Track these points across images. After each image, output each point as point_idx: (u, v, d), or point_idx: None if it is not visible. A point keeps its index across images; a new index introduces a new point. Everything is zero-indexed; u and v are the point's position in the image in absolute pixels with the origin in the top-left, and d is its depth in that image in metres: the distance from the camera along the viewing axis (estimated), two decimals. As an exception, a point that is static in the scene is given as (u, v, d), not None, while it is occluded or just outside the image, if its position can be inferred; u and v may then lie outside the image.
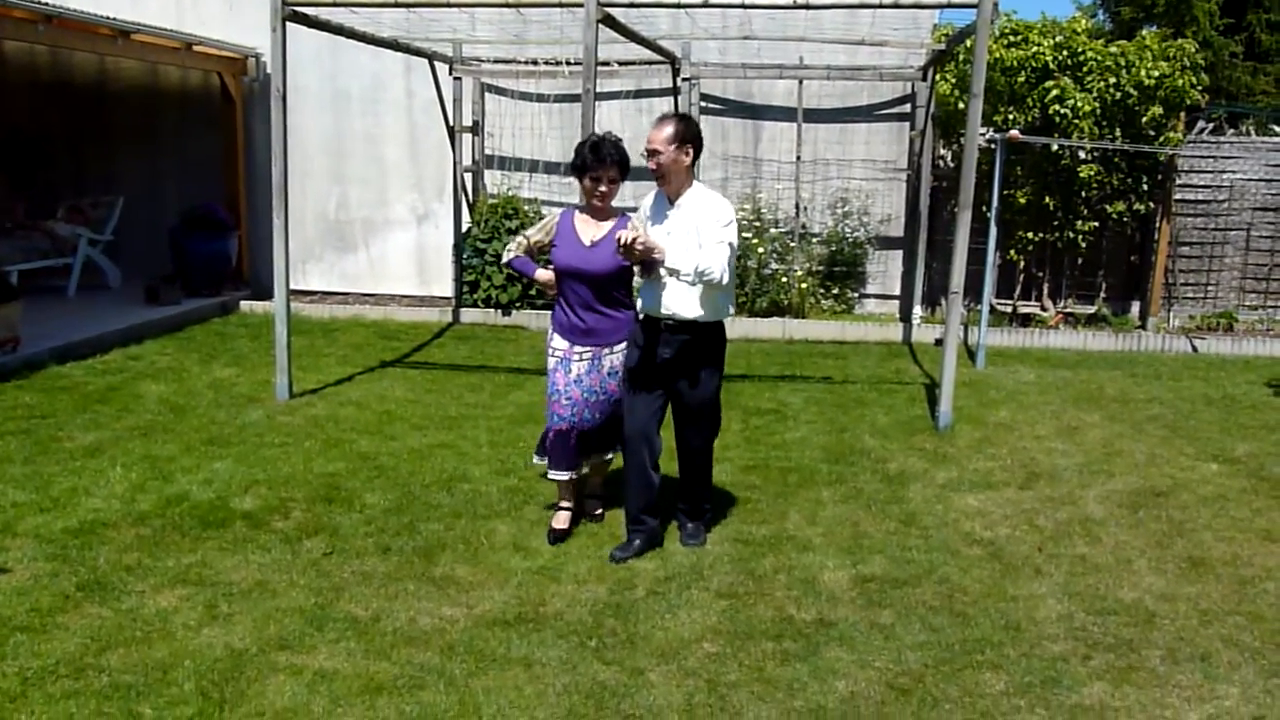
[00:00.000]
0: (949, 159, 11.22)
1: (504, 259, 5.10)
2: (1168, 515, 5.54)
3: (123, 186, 11.96)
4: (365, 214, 11.98)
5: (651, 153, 4.69)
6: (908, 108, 11.18)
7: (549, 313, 11.18)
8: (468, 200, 11.61)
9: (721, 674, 3.77)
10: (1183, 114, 10.61)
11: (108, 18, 9.70)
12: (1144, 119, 10.28)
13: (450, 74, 11.25)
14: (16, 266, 10.26)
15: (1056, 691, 3.69)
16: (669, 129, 4.68)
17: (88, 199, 11.80)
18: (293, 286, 8.37)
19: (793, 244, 11.18)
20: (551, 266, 4.96)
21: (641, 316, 4.86)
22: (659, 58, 10.26)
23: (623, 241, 4.40)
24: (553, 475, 5.04)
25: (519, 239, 5.07)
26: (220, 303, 11.09)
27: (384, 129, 11.80)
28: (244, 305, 11.35)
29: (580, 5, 6.99)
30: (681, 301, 4.70)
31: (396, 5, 7.35)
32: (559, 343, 5.00)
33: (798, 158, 11.25)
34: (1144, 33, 10.74)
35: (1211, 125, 11.25)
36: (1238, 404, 8.14)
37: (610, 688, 3.66)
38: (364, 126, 11.79)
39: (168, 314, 10.27)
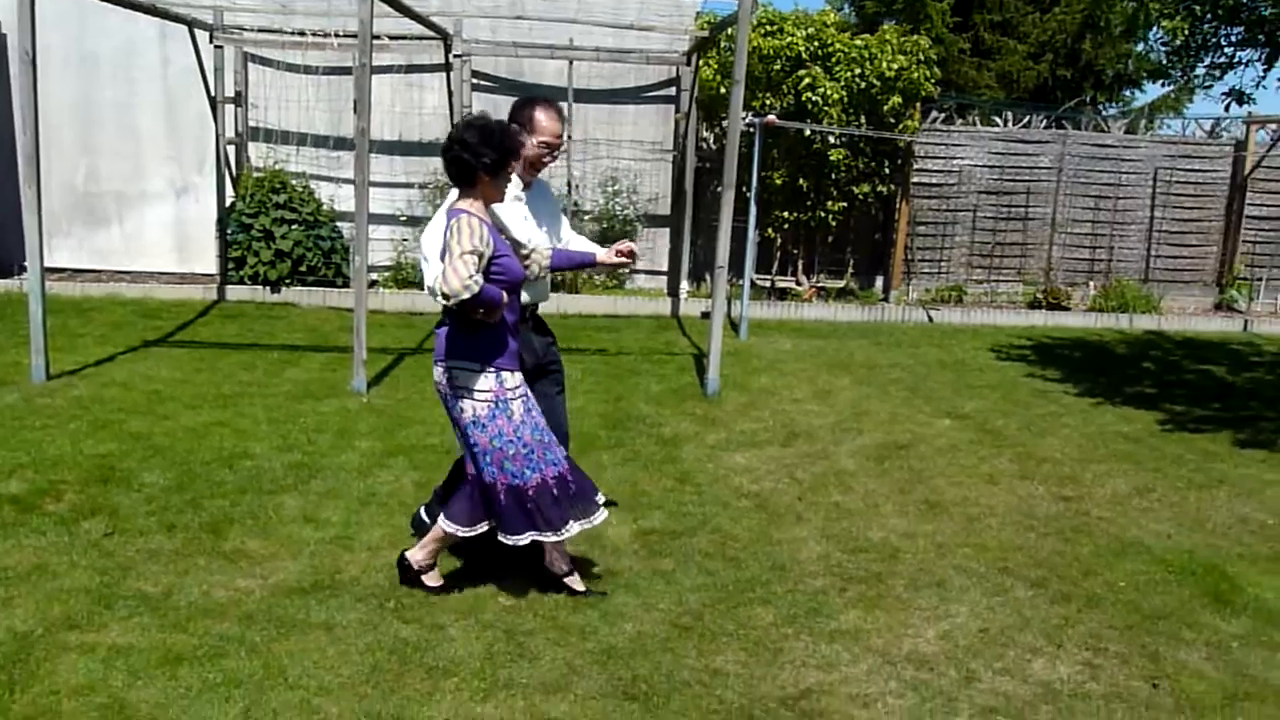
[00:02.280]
0: (712, 141, 11.80)
1: (471, 289, 3.69)
2: (909, 465, 6.19)
3: None
4: (118, 187, 11.37)
5: (555, 146, 4.46)
6: (673, 91, 11.66)
7: (322, 290, 10.89)
8: (231, 174, 11.24)
9: (518, 624, 4.01)
10: (919, 104, 11.60)
11: None
12: (886, 108, 11.17)
13: (211, 42, 10.83)
14: None
15: (818, 620, 4.15)
16: (561, 119, 4.52)
17: None
18: (44, 262, 7.89)
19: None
20: (500, 283, 3.92)
21: (530, 310, 4.47)
22: (431, 33, 10.28)
23: (630, 252, 4.42)
24: (567, 533, 4.08)
25: (470, 259, 3.73)
26: (-46, 280, 10.29)
27: (138, 97, 11.22)
28: (-18, 283, 10.56)
29: (355, -21, 6.95)
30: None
31: (158, -30, 7.07)
32: (513, 379, 4.02)
33: (568, 137, 11.52)
34: (885, 27, 11.66)
35: (944, 115, 12.34)
36: (966, 367, 9.08)
37: (412, 643, 3.82)
38: (115, 94, 11.17)
39: (-107, 293, 9.46)
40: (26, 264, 10.83)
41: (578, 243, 4.75)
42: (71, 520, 4.80)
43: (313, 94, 11.30)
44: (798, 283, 12.01)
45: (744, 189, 9.97)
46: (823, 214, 11.54)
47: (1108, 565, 4.80)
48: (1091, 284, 12.68)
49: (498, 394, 3.97)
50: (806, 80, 10.80)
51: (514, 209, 4.35)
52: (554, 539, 4.09)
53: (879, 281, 12.43)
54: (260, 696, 3.43)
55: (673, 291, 11.64)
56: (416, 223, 11.30)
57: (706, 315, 10.69)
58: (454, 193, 4.12)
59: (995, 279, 12.64)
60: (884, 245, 12.37)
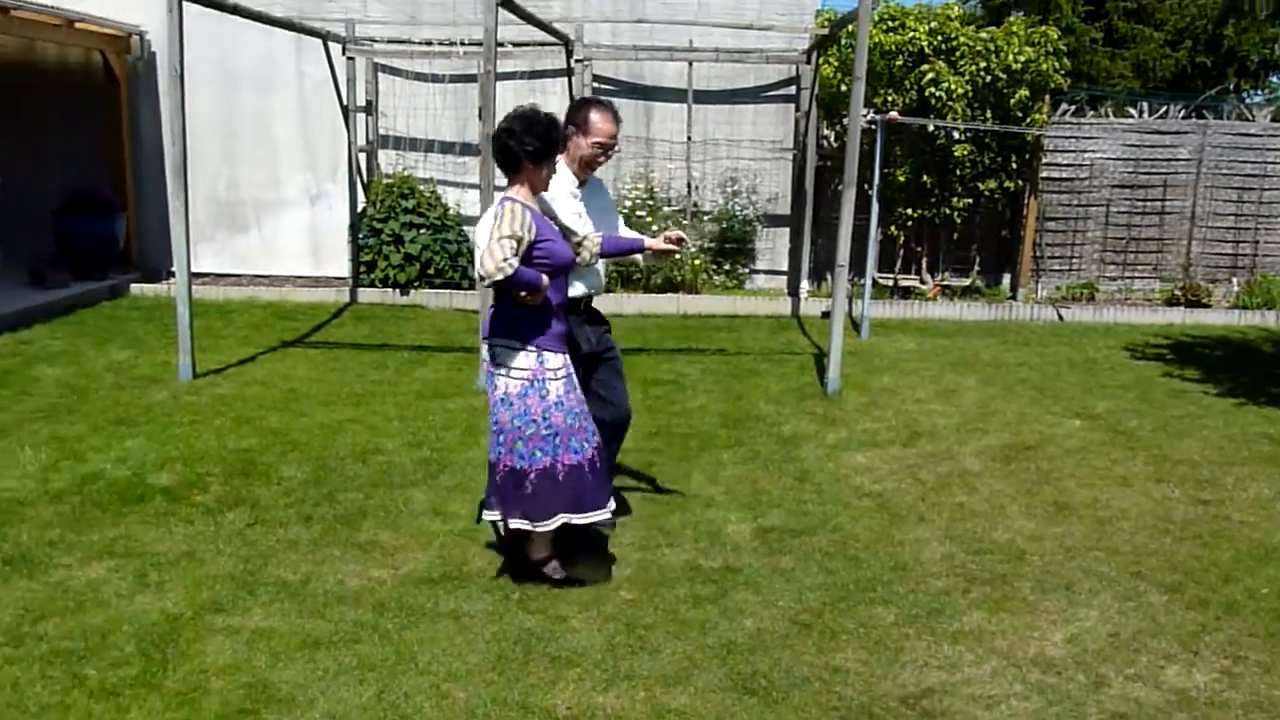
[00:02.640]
0: (832, 139, 11.69)
1: (505, 270, 3.86)
2: (1036, 466, 6.04)
3: (1, 167, 11.60)
4: (257, 194, 11.89)
5: (609, 146, 4.61)
6: (793, 89, 11.60)
7: (448, 292, 11.19)
8: (362, 180, 11.64)
9: (639, 617, 4.07)
10: (1047, 96, 11.29)
11: (-15, -7, 9.45)
12: (1012, 101, 10.90)
13: (344, 54, 11.24)
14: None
15: (941, 620, 4.10)
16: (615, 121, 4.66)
17: (-38, 180, 11.45)
18: (191, 267, 8.31)
19: (685, 222, 11.52)
20: (544, 267, 4.08)
21: (585, 301, 4.67)
22: (553, 40, 10.45)
23: (678, 239, 4.56)
24: (601, 515, 4.24)
25: (507, 242, 3.89)
26: (110, 286, 10.90)
27: (275, 109, 11.72)
28: (134, 288, 11.17)
29: (480, -12, 7.13)
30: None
31: (295, -14, 7.38)
32: (555, 360, 4.15)
33: (688, 138, 11.58)
34: (1011, 19, 11.37)
35: (1074, 107, 11.98)
36: (1098, 367, 8.79)
37: (536, 634, 3.92)
38: (254, 106, 11.69)
39: (55, 298, 10.08)
40: (174, 270, 11.48)
41: (628, 234, 4.92)
42: (217, 511, 5.06)
43: (439, 101, 11.62)
44: (921, 281, 11.81)
45: (865, 186, 9.86)
46: (947, 211, 11.33)
47: (1249, 571, 4.61)
48: (1234, 280, 12.12)
49: (536, 373, 4.10)
50: (929, 75, 10.62)
51: (569, 205, 4.52)
52: (536, 528, 4.16)
53: (1006, 279, 12.13)
54: (392, 680, 3.57)
55: (793, 291, 11.58)
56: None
57: (827, 315, 10.61)
58: (559, 171, 4.35)
59: (1130, 275, 12.20)
60: (1011, 242, 12.06)
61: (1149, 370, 8.69)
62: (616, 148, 4.75)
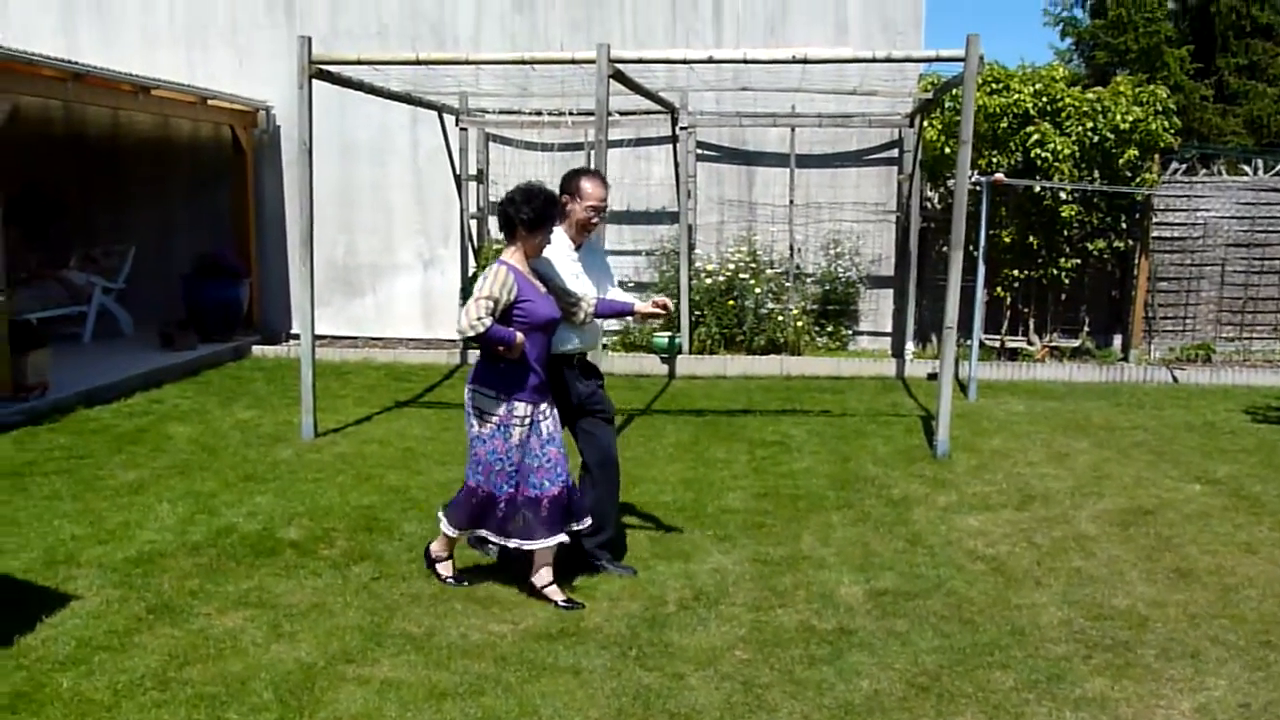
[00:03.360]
0: (935, 201, 11.70)
1: (477, 328, 4.48)
2: (1155, 531, 5.92)
3: (133, 235, 12.30)
4: (372, 260, 12.37)
5: (600, 210, 5.14)
6: (895, 152, 11.68)
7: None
8: (473, 246, 12.01)
9: (755, 677, 4.11)
10: (1157, 155, 11.13)
11: (130, 74, 10.11)
12: (1120, 160, 10.78)
13: (457, 124, 11.69)
14: (34, 314, 10.55)
15: (1061, 687, 4.05)
16: (605, 186, 5.20)
17: (99, 248, 12.14)
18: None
19: (788, 284, 11.61)
20: (521, 325, 4.66)
21: (579, 356, 5.16)
22: (659, 108, 10.73)
23: (664, 305, 5.14)
24: (554, 541, 4.82)
25: (484, 303, 4.50)
26: (233, 347, 11.42)
27: (390, 178, 12.22)
28: (256, 350, 11.68)
29: (592, 61, 7.41)
30: None
31: (418, 63, 7.76)
32: (521, 409, 4.72)
33: (791, 201, 11.71)
34: (1118, 78, 11.28)
35: (1185, 166, 11.79)
36: (1217, 430, 8.56)
37: (654, 690, 3.99)
38: (371, 176, 12.21)
39: (183, 359, 10.59)
40: (294, 331, 11.97)
41: (621, 297, 5.37)
42: (343, 564, 5.27)
43: (547, 169, 11.95)
44: (1029, 342, 11.66)
45: (971, 248, 9.84)
46: (1055, 271, 11.20)
47: (1388, 643, 4.45)
48: (1360, 341, 11.69)
49: (503, 419, 4.71)
50: (1035, 136, 10.59)
51: (568, 267, 5.06)
52: (492, 537, 4.86)
53: (1117, 340, 11.89)
54: (517, 732, 3.67)
55: (897, 352, 11.54)
56: (644, 288, 11.71)
57: (933, 376, 10.55)
58: (556, 236, 4.97)
59: (1248, 336, 11.86)
60: (1121, 302, 11.85)
61: (1272, 434, 8.43)
62: (606, 211, 5.26)
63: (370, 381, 10.35)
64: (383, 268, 12.38)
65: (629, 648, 4.35)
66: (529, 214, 4.63)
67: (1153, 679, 4.12)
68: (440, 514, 5.06)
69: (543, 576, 4.86)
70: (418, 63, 7.84)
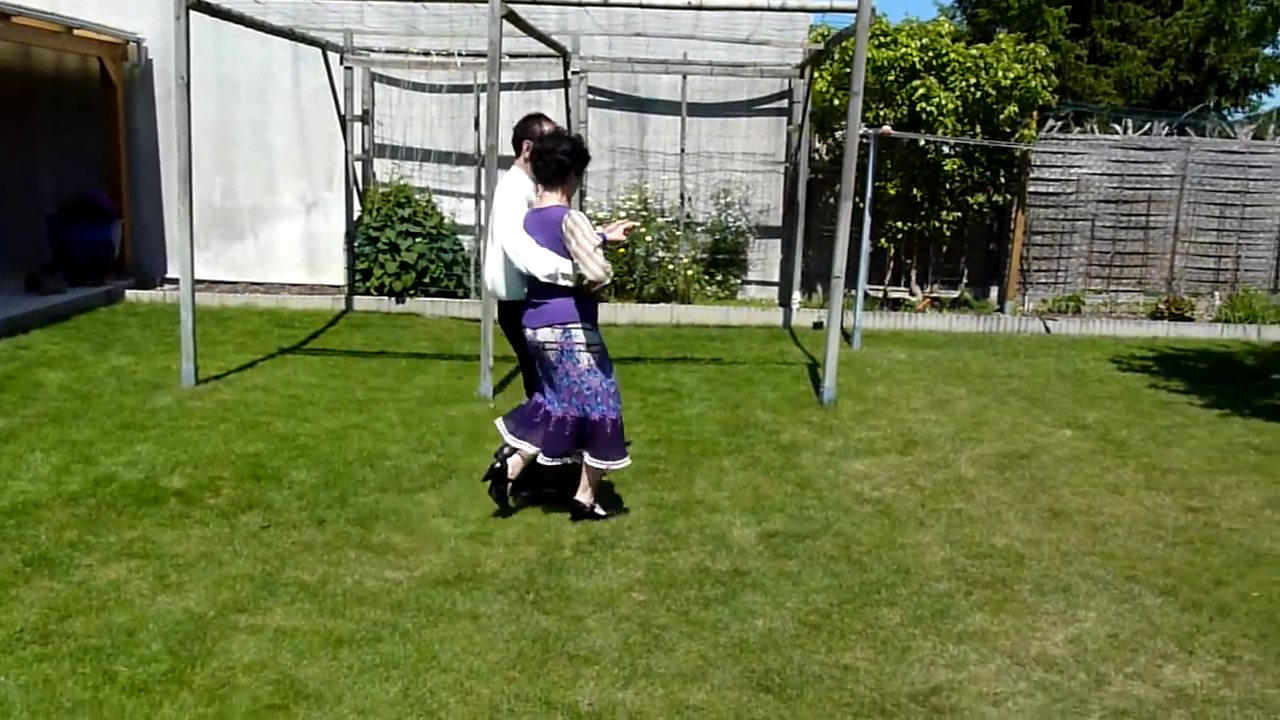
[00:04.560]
0: (824, 152, 11.86)
1: (609, 276, 4.92)
2: (1030, 474, 6.19)
3: (-7, 172, 11.63)
4: (253, 202, 11.96)
5: None
6: (785, 103, 11.77)
7: (444, 300, 11.28)
8: (358, 189, 11.71)
9: (652, 618, 4.18)
10: (1035, 112, 11.48)
11: (-13, 0, 9.50)
12: (1001, 117, 11.09)
13: (341, 63, 11.33)
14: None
15: (945, 621, 4.22)
16: None
17: (-44, 186, 11.46)
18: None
19: (678, 233, 11.65)
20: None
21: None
22: (550, 51, 10.57)
23: (630, 230, 5.43)
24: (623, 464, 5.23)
25: (599, 250, 4.89)
26: (105, 291, 10.93)
27: (272, 117, 11.80)
28: (129, 294, 11.21)
29: (484, 1, 7.25)
30: None
31: (302, -3, 7.47)
32: (597, 336, 5.08)
33: (682, 150, 11.72)
34: (1000, 36, 11.57)
35: (1060, 123, 12.19)
36: (1087, 378, 8.96)
37: (553, 633, 4.02)
38: (251, 114, 11.76)
39: (52, 303, 10.10)
40: (169, 276, 11.52)
41: None
42: (231, 513, 5.14)
43: (436, 111, 11.72)
44: (911, 293, 11.97)
45: (858, 199, 10.01)
46: (937, 224, 11.50)
47: (1240, 575, 4.76)
48: (1217, 294, 12.35)
49: (601, 346, 5.08)
50: (921, 90, 10.80)
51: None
52: (619, 465, 5.18)
53: (994, 292, 12.31)
54: (416, 678, 3.66)
55: (784, 302, 11.72)
56: (534, 235, 11.61)
57: (819, 325, 10.77)
58: (509, 177, 5.41)
59: (1115, 289, 12.41)
60: (999, 255, 12.25)
61: (1136, 381, 8.87)
62: None
63: (252, 327, 10.05)
64: (264, 210, 11.98)
65: (526, 592, 4.37)
66: (581, 161, 5.08)
67: (1029, 613, 4.33)
68: (541, 456, 5.12)
69: (590, 495, 5.22)
70: (302, -4, 7.55)
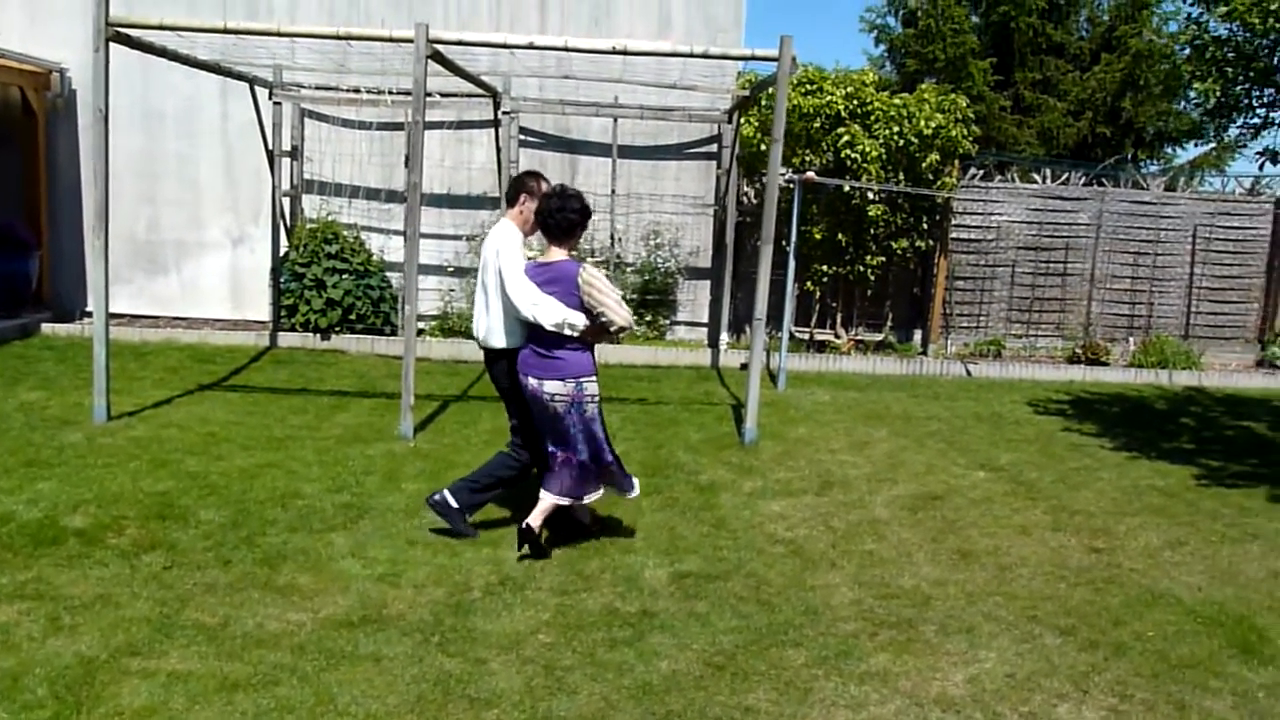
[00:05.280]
0: (752, 196, 12.03)
1: (632, 326, 5.27)
2: (942, 515, 6.28)
3: (-93, 202, 11.35)
4: (177, 236, 11.80)
5: None
6: (715, 147, 11.93)
7: (370, 338, 11.20)
8: (285, 225, 11.61)
9: (557, 660, 4.16)
10: (957, 161, 11.78)
11: (-98, 27, 9.31)
12: (924, 165, 11.35)
13: (270, 99, 11.26)
14: None
15: (849, 662, 4.26)
16: None
17: None
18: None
19: (608, 273, 11.71)
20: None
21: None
22: (481, 91, 10.62)
23: None
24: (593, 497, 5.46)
25: (622, 301, 5.19)
26: (20, 324, 10.69)
27: (198, 151, 11.69)
28: (45, 328, 10.98)
29: (410, 40, 7.28)
30: None
31: (226, 32, 7.44)
32: (596, 387, 5.25)
33: (613, 191, 11.81)
34: (923, 86, 11.86)
35: (982, 171, 12.50)
36: (1003, 420, 9.14)
37: (455, 676, 3.98)
38: (177, 147, 11.65)
39: (-37, 336, 9.86)
40: (88, 309, 11.29)
41: None
42: (132, 554, 5.03)
43: (366, 148, 11.69)
44: (836, 335, 12.14)
45: (784, 243, 10.18)
46: (861, 268, 11.70)
47: (1137, 615, 4.87)
48: (1131, 340, 12.70)
49: (599, 393, 5.27)
50: (845, 138, 11.02)
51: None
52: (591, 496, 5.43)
53: (917, 335, 12.54)
54: (311, 722, 3.60)
55: (713, 343, 11.82)
56: (464, 273, 11.61)
57: (745, 366, 10.85)
58: (504, 230, 5.46)
59: (1034, 334, 12.70)
60: (922, 299, 12.49)
61: (1050, 424, 9.07)
62: None
63: (172, 363, 9.88)
64: (189, 244, 11.83)
65: (432, 634, 4.33)
66: (586, 219, 5.26)
67: (931, 653, 4.39)
68: (550, 494, 5.25)
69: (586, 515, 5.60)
70: (225, 31, 7.51)
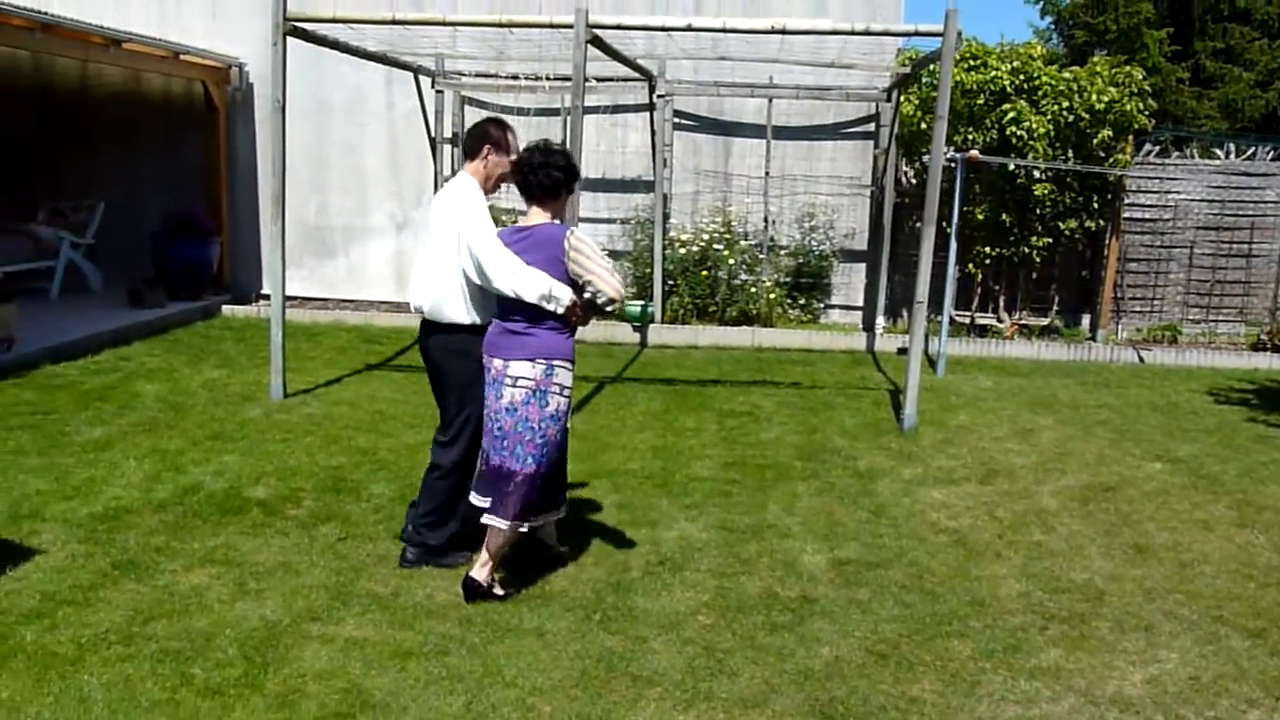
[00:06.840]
0: (910, 176, 11.73)
1: (622, 295, 4.40)
2: (1115, 508, 6.01)
3: (102, 190, 12.13)
4: (345, 221, 12.28)
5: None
6: (872, 127, 11.68)
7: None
8: (447, 209, 11.89)
9: (717, 642, 4.16)
10: (1131, 137, 11.21)
11: (100, 26, 9.94)
12: (1094, 141, 10.85)
13: (433, 87, 11.59)
14: (0, 268, 10.41)
15: (1018, 656, 4.12)
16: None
17: (68, 202, 11.98)
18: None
19: (761, 256, 11.63)
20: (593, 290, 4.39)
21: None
22: (636, 75, 10.67)
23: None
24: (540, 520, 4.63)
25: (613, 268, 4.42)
26: (202, 307, 11.32)
27: (364, 139, 12.11)
28: (225, 309, 11.59)
29: (570, 27, 7.36)
30: None
31: (394, 23, 7.68)
32: (569, 378, 4.49)
33: (766, 173, 11.70)
34: (1095, 59, 11.33)
35: (1158, 148, 11.87)
36: (1180, 410, 8.68)
37: (618, 653, 4.03)
38: (345, 136, 12.10)
39: (152, 317, 10.49)
40: (264, 292, 11.87)
41: None
42: (310, 524, 5.27)
43: (524, 134, 11.81)
44: (999, 320, 11.75)
45: (944, 224, 9.88)
46: (1026, 250, 11.28)
47: (1335, 620, 4.56)
48: (1323, 326, 11.87)
49: (569, 389, 4.50)
50: (1011, 114, 10.63)
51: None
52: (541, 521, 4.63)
53: (1085, 320, 12.02)
54: (480, 692, 3.70)
55: (868, 327, 11.60)
56: (617, 256, 11.70)
57: (903, 351, 10.61)
58: (462, 185, 4.66)
59: (1214, 319, 12.01)
60: (1091, 282, 11.96)
61: (1233, 415, 8.56)
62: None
63: (341, 344, 10.30)
64: (355, 229, 12.30)
65: (593, 611, 4.39)
66: (574, 178, 4.50)
67: (1106, 651, 4.21)
68: (493, 519, 4.40)
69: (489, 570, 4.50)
70: (394, 22, 7.76)
